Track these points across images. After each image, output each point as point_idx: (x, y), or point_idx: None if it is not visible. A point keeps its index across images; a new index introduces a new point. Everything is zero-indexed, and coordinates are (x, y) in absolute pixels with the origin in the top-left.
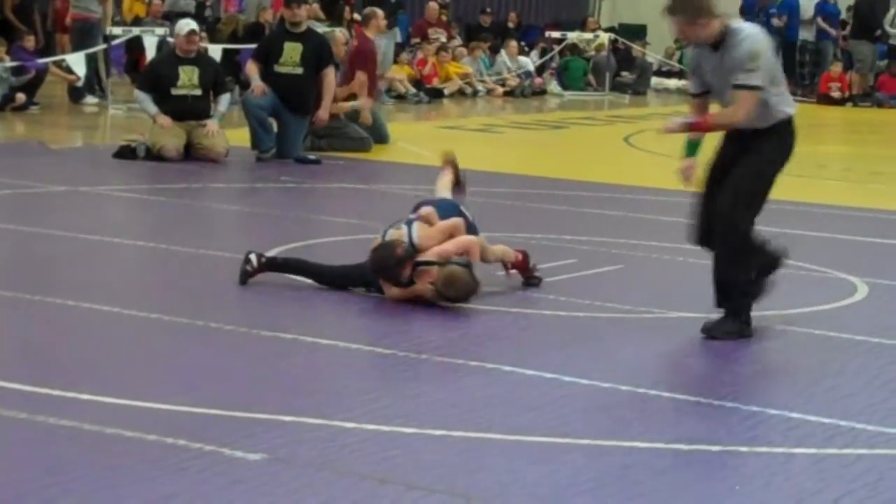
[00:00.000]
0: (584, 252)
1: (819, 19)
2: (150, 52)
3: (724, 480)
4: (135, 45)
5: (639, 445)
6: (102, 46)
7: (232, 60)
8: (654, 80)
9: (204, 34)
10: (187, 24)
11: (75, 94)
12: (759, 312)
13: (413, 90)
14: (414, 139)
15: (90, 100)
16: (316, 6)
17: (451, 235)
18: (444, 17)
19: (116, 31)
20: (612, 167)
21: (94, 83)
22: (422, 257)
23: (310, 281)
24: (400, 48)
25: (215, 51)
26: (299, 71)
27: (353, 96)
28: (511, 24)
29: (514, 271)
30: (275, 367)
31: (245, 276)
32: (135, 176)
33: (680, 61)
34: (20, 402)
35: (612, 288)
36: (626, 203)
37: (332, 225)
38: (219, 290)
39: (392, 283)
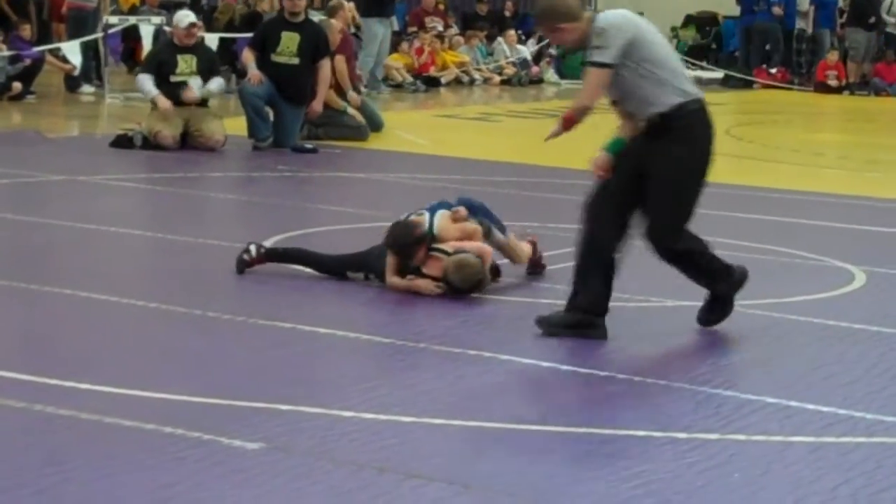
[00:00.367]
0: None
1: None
2: (147, 41)
3: (722, 468)
4: (131, 35)
5: (636, 434)
6: (98, 35)
7: (228, 49)
8: None
9: (200, 23)
10: (187, 17)
11: (72, 84)
12: (757, 301)
13: (410, 79)
14: (411, 128)
15: (87, 89)
16: None
17: (469, 238)
18: (440, 6)
19: (113, 20)
20: None
21: (90, 72)
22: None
23: (309, 270)
24: (396, 36)
25: (212, 39)
26: (296, 61)
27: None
28: (507, 13)
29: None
30: (273, 356)
31: (242, 265)
32: (132, 165)
33: (677, 49)
34: (18, 391)
35: None
36: None
37: (328, 214)
38: (217, 279)
39: (402, 263)
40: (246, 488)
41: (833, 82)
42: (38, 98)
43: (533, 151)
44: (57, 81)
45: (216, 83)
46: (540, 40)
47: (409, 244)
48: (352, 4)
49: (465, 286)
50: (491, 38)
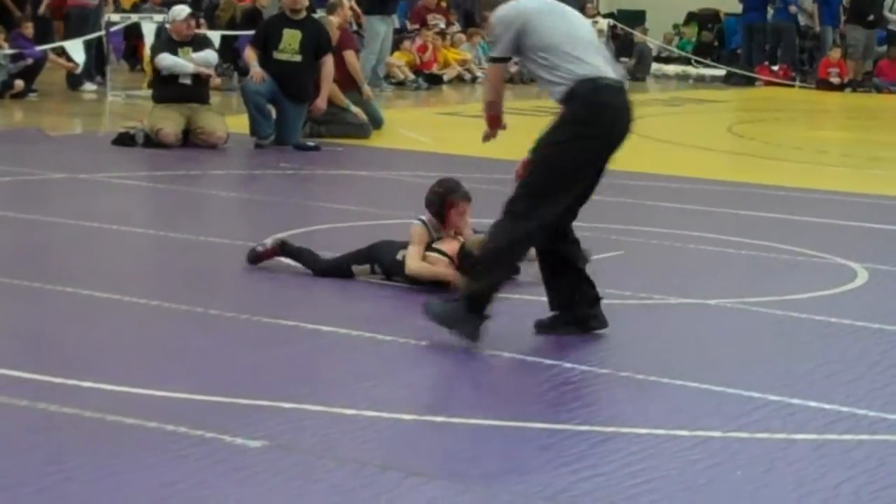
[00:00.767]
0: (584, 238)
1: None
2: (149, 39)
3: (725, 466)
4: (133, 32)
5: (639, 432)
6: (100, 33)
7: (230, 47)
8: (654, 66)
9: (202, 20)
10: (184, 10)
11: (74, 81)
12: (760, 298)
13: (412, 76)
14: (413, 125)
15: (89, 87)
16: None
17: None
18: (442, 3)
19: (115, 17)
20: None
21: (92, 70)
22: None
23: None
24: (397, 34)
25: (214, 37)
26: (298, 58)
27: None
28: None
29: None
30: (275, 354)
31: (254, 257)
32: (134, 163)
33: (679, 47)
34: (21, 390)
35: (612, 274)
36: (625, 188)
37: (331, 211)
38: (219, 276)
39: (456, 209)
40: (248, 486)
41: (835, 79)
42: (40, 96)
43: None
44: (59, 79)
45: (203, 53)
46: None
47: (457, 184)
48: (352, 2)
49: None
50: None
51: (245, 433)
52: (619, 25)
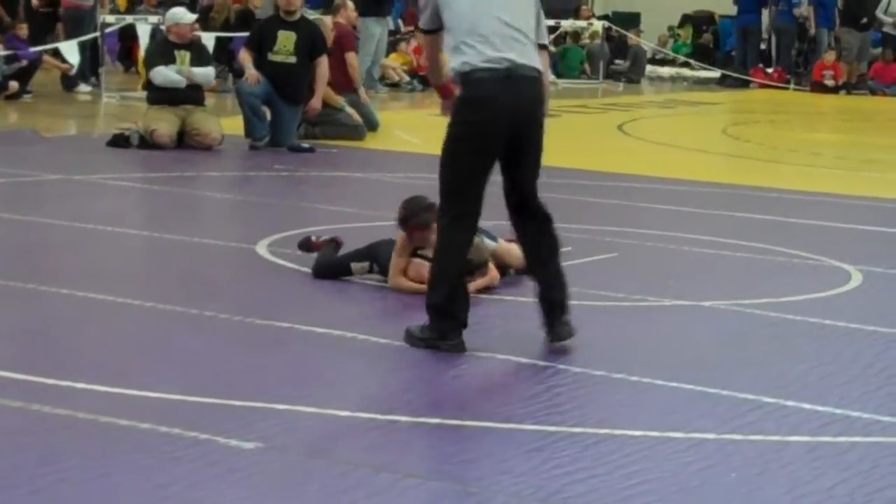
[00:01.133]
0: (578, 240)
1: (803, 8)
2: (144, 41)
3: (719, 468)
4: (128, 34)
5: (633, 434)
6: (95, 35)
7: (225, 48)
8: (649, 69)
9: (196, 24)
10: (186, 14)
11: (68, 83)
12: (754, 300)
13: (407, 78)
14: (408, 127)
15: (83, 88)
16: None
17: None
18: None
19: (110, 19)
20: (606, 155)
21: (87, 71)
22: None
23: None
24: (392, 36)
25: (208, 38)
26: (293, 60)
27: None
28: None
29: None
30: (269, 356)
31: (306, 245)
32: (128, 164)
33: (675, 50)
34: (14, 391)
35: (606, 276)
36: (619, 191)
37: (325, 213)
38: (213, 278)
39: (417, 239)
40: (242, 488)
41: (830, 82)
42: (35, 97)
43: None
44: (53, 81)
45: (204, 70)
46: None
47: (422, 209)
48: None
49: (471, 265)
50: None
51: (239, 435)
52: (614, 27)
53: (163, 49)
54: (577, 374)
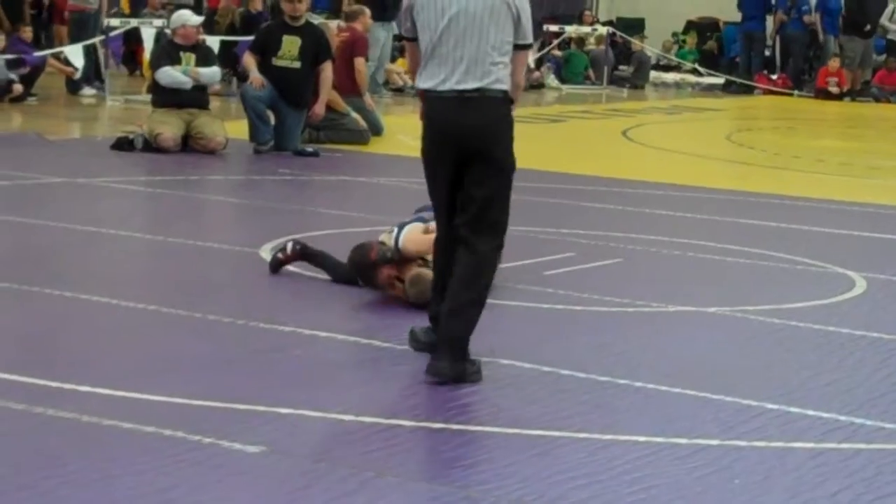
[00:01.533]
0: (583, 245)
1: (806, 16)
2: (148, 44)
3: (723, 474)
4: (132, 37)
5: (637, 439)
6: (100, 38)
7: (230, 52)
8: (653, 74)
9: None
10: (192, 16)
11: (73, 86)
12: (758, 307)
13: (411, 83)
14: (412, 132)
15: (88, 91)
16: None
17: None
18: None
19: (114, 22)
20: (610, 161)
21: (91, 75)
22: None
23: (324, 276)
24: (397, 41)
25: (213, 42)
26: (297, 65)
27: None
28: None
29: None
30: (273, 360)
31: (276, 264)
32: (132, 167)
33: (678, 55)
34: (18, 394)
35: (611, 281)
36: (624, 196)
37: (330, 217)
38: (217, 282)
39: (368, 285)
40: (245, 491)
41: (834, 89)
42: (39, 100)
43: (534, 156)
44: (58, 83)
45: (210, 70)
46: (542, 46)
47: (365, 267)
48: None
49: (419, 300)
50: None
51: (243, 438)
52: (618, 33)
53: (168, 51)
54: (582, 379)
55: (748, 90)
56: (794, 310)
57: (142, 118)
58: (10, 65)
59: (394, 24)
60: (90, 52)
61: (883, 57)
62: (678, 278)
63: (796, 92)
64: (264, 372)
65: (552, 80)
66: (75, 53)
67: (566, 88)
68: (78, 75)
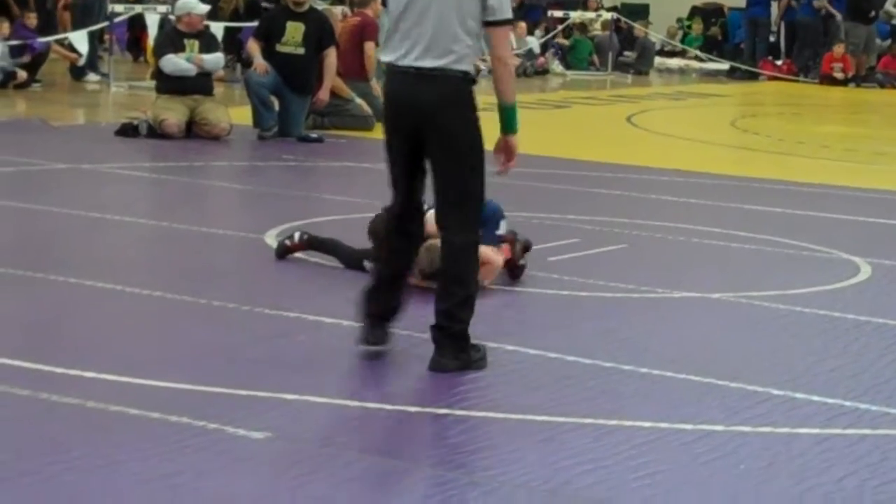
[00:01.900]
0: (587, 231)
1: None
2: (153, 30)
3: (728, 459)
4: (137, 23)
5: (642, 425)
6: (104, 24)
7: (234, 38)
8: (657, 60)
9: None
10: (203, 5)
11: (77, 72)
12: (763, 292)
13: None
14: None
15: (92, 77)
16: None
17: None
18: None
19: (119, 8)
20: (615, 146)
21: (95, 61)
22: None
23: (335, 262)
24: None
25: (217, 28)
26: (301, 51)
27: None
28: (513, 4)
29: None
30: (278, 346)
31: (282, 251)
32: (137, 153)
33: (686, 43)
34: (23, 380)
35: (616, 267)
36: (628, 182)
37: (334, 203)
38: (222, 268)
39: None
40: (250, 477)
41: (839, 75)
42: (44, 86)
43: (538, 142)
44: (62, 70)
45: (214, 56)
46: (546, 31)
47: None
48: None
49: (429, 269)
50: None
51: (248, 424)
52: (623, 19)
53: (172, 38)
54: (587, 365)
55: (753, 76)
56: (799, 295)
57: (146, 104)
58: (15, 52)
59: None
60: (93, 39)
61: (888, 42)
62: (683, 264)
63: (801, 78)
64: (269, 358)
65: (556, 65)
66: (80, 39)
67: (570, 74)
68: (82, 61)
